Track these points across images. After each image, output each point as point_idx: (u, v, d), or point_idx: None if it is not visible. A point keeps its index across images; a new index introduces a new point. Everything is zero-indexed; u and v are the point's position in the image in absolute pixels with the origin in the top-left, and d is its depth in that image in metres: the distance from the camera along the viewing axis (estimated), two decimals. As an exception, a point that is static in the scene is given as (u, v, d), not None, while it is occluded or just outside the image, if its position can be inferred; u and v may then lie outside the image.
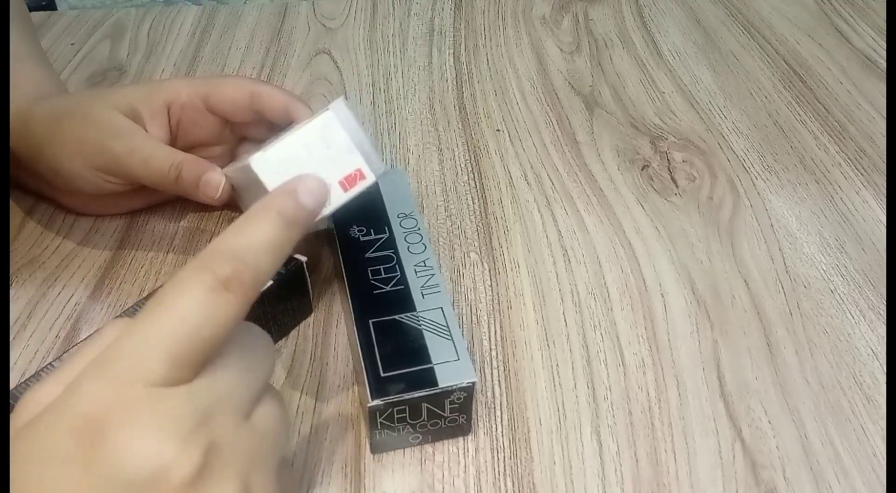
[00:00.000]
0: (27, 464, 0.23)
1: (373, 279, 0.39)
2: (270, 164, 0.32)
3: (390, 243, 0.42)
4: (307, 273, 0.41)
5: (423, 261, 0.41)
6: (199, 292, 0.25)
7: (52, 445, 0.23)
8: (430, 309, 0.38)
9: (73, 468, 0.22)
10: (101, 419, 0.23)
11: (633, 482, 0.35)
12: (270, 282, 0.38)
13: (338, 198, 0.33)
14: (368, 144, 0.34)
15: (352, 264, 0.41)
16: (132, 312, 0.39)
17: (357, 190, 0.34)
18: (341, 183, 0.33)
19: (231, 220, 0.49)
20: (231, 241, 0.27)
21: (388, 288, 0.39)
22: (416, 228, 0.43)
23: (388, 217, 0.44)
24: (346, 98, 0.33)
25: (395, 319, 0.37)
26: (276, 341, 0.40)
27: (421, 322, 0.37)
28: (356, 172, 0.33)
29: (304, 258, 0.40)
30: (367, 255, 0.41)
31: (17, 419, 0.24)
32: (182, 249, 0.47)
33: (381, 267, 0.40)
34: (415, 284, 0.39)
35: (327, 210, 0.33)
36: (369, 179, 0.34)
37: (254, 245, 0.27)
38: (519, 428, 0.37)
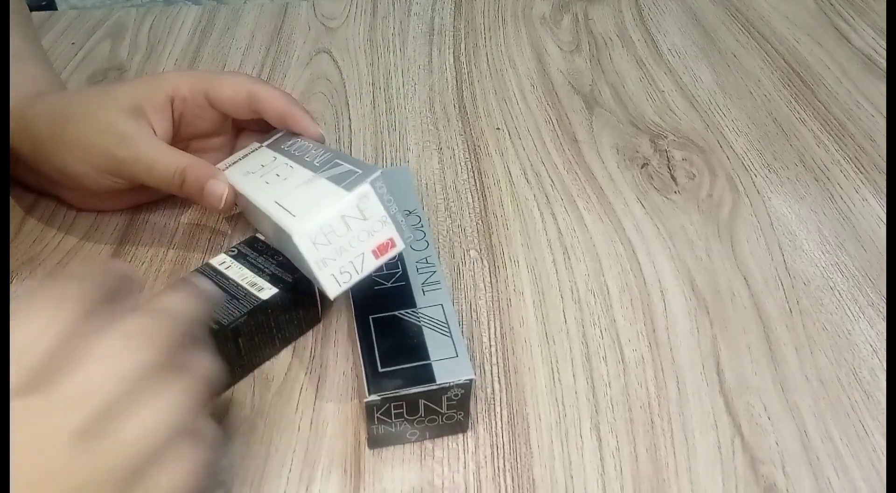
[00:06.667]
0: None
1: (374, 275, 0.39)
2: (309, 237, 0.34)
3: (390, 240, 0.42)
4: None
5: (425, 258, 0.41)
6: None
7: None
8: (430, 306, 0.38)
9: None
10: None
11: (632, 477, 0.35)
12: (275, 290, 0.38)
13: (369, 265, 0.35)
14: (400, 215, 0.36)
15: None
16: None
17: (386, 257, 0.36)
18: (374, 251, 0.35)
19: (230, 220, 0.49)
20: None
21: (388, 284, 0.39)
22: (419, 224, 0.43)
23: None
24: (381, 170, 0.35)
25: (394, 315, 0.37)
26: (280, 348, 0.41)
27: (421, 319, 0.37)
28: (388, 242, 0.36)
29: None
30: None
31: None
32: (182, 245, 0.47)
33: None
34: (416, 280, 0.39)
35: (358, 277, 0.35)
36: (399, 247, 0.36)
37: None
38: (518, 424, 0.37)
